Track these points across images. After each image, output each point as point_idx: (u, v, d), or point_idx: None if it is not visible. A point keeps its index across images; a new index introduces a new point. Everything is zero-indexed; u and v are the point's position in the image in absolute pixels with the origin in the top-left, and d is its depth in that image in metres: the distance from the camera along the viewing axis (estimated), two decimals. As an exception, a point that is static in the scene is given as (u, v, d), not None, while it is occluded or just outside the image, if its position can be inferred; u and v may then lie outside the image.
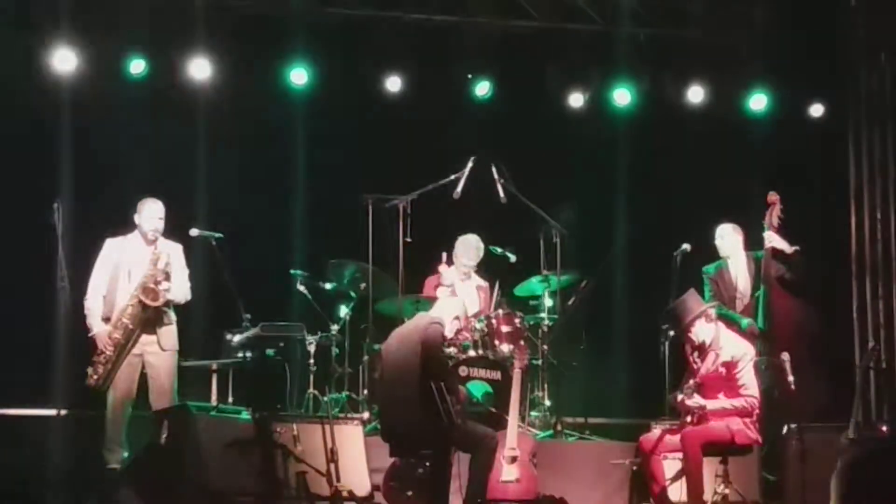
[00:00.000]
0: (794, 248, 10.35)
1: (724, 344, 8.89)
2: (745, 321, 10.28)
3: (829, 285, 12.06)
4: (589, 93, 12.80)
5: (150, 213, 9.93)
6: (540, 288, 11.28)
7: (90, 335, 9.73)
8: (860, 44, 13.11)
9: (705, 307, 8.99)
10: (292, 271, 11.37)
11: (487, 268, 11.25)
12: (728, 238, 10.78)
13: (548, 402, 11.08)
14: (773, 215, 10.22)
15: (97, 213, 10.70)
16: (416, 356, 8.58)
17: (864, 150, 13.11)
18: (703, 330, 8.93)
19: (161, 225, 9.94)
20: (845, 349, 12.41)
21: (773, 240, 10.24)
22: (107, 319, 9.73)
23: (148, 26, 11.78)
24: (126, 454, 9.62)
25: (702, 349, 8.96)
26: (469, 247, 11.12)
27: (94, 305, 9.78)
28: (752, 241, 10.73)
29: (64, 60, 11.65)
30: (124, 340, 9.69)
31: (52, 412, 9.96)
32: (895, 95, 13.02)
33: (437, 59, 12.56)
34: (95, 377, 9.66)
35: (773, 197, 10.21)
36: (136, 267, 9.80)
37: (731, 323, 9.94)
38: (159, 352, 9.83)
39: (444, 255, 10.97)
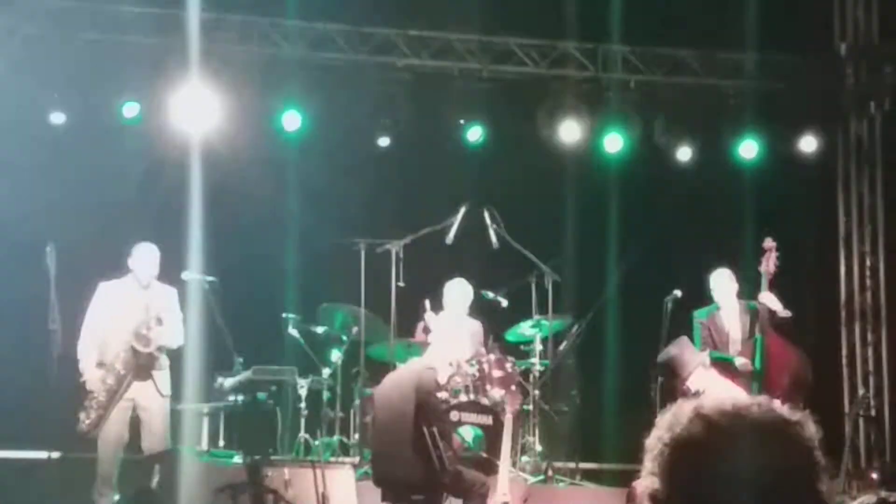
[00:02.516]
0: (785, 313, 10.28)
1: (717, 393, 8.87)
2: (739, 360, 10.22)
3: (818, 332, 12.08)
4: (581, 138, 12.82)
5: (144, 257, 9.92)
6: (531, 333, 11.31)
7: (82, 380, 9.66)
8: (849, 93, 13.23)
9: (701, 357, 8.99)
10: (284, 315, 11.39)
11: (479, 312, 11.27)
12: (724, 285, 10.72)
13: (539, 448, 11.08)
14: (770, 262, 10.20)
15: (90, 257, 10.64)
16: (410, 401, 8.60)
17: (853, 197, 13.21)
18: (699, 379, 8.94)
19: (155, 270, 9.94)
20: (835, 396, 12.43)
21: (768, 300, 10.18)
22: (100, 364, 9.69)
23: (142, 70, 11.84)
24: (117, 498, 9.60)
25: (695, 397, 8.96)
26: (459, 291, 11.13)
27: (86, 350, 9.72)
28: (745, 289, 10.72)
29: (60, 103, 11.71)
30: (116, 386, 9.65)
31: (43, 455, 9.96)
32: (883, 144, 13.15)
33: (429, 105, 12.61)
34: (87, 422, 9.59)
35: (769, 243, 10.21)
36: (130, 311, 9.76)
37: (725, 364, 9.93)
38: (152, 396, 9.79)
39: (427, 302, 10.94)
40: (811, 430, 2.50)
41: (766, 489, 2.32)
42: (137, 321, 9.69)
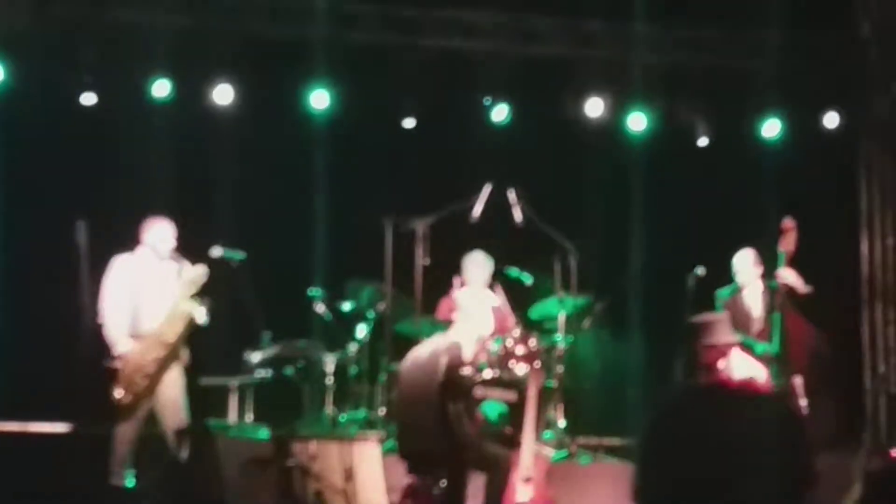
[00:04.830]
0: (806, 289, 10.37)
1: (737, 367, 8.95)
2: (761, 346, 10.33)
3: (841, 311, 12.13)
4: (604, 118, 12.89)
5: (161, 233, 9.98)
6: (555, 310, 11.39)
7: (117, 354, 9.62)
8: (872, 72, 13.24)
9: (734, 337, 9.03)
10: (311, 291, 11.49)
11: (504, 290, 11.36)
12: (747, 266, 10.86)
13: (562, 423, 11.18)
14: (789, 241, 10.26)
15: (119, 233, 10.74)
16: (434, 377, 8.70)
17: (875, 177, 13.23)
18: (735, 360, 8.98)
19: (172, 243, 9.99)
20: (857, 374, 12.49)
21: (787, 277, 10.27)
22: (136, 336, 9.67)
23: (172, 49, 11.94)
24: (133, 472, 9.66)
25: (719, 371, 9.02)
26: (477, 264, 11.23)
27: (117, 324, 9.69)
28: (766, 268, 10.80)
29: (90, 83, 11.83)
30: (166, 359, 9.70)
31: (67, 429, 10.04)
32: (905, 124, 13.15)
33: (455, 84, 12.68)
34: (130, 395, 9.60)
35: (788, 223, 10.27)
36: (157, 285, 9.83)
37: (747, 348, 10.00)
38: (176, 369, 9.86)
39: (458, 280, 11.10)
40: (792, 403, 2.62)
41: (748, 456, 2.44)
42: (186, 293, 9.75)
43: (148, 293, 9.82)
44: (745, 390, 2.61)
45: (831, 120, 13.09)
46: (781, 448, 2.51)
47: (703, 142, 13.02)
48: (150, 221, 9.96)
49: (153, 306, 9.78)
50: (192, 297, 9.74)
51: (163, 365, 9.71)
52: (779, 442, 2.51)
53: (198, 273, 9.80)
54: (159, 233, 9.92)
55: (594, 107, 12.81)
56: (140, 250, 9.95)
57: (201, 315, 9.73)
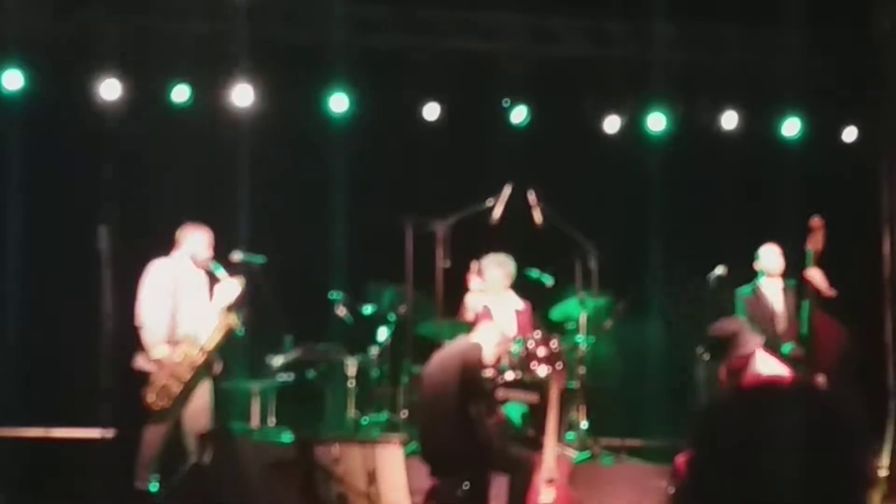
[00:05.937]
0: (830, 292, 10.32)
1: (762, 366, 8.93)
2: (787, 346, 10.30)
3: (864, 310, 12.08)
4: (624, 118, 12.88)
5: (201, 241, 9.95)
6: (576, 311, 11.38)
7: (153, 358, 9.58)
8: (893, 69, 13.17)
9: (758, 340, 9.01)
10: (332, 294, 11.50)
11: (524, 291, 11.35)
12: (772, 260, 10.84)
13: (585, 425, 11.16)
14: (818, 240, 10.19)
15: (141, 238, 10.75)
16: (456, 379, 8.70)
17: (897, 175, 13.16)
18: (762, 362, 8.98)
19: (212, 252, 10.01)
20: (881, 374, 12.44)
21: (814, 278, 10.22)
22: (173, 341, 9.64)
23: (192, 55, 11.96)
24: (157, 476, 9.68)
25: (739, 373, 9.00)
26: (500, 264, 11.18)
27: (156, 328, 9.63)
28: (788, 267, 10.78)
29: (110, 88, 11.87)
30: (203, 367, 9.69)
31: (94, 434, 10.06)
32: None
33: (473, 86, 12.68)
34: (164, 401, 9.56)
35: (817, 222, 10.21)
36: (193, 291, 9.83)
37: (772, 348, 9.96)
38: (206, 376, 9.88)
39: (476, 265, 11.05)
40: (849, 401, 2.57)
41: (801, 458, 2.41)
42: (223, 304, 9.77)
43: (185, 299, 9.80)
44: (800, 389, 2.57)
45: (852, 118, 13.04)
46: (837, 449, 2.48)
47: (723, 141, 12.98)
48: (189, 228, 9.96)
49: (189, 312, 9.77)
50: (229, 308, 9.79)
51: (199, 373, 9.69)
52: (835, 442, 2.47)
53: (236, 285, 9.85)
54: (199, 241, 9.93)
55: (614, 107, 12.78)
56: (176, 256, 9.95)
57: (238, 326, 9.76)
